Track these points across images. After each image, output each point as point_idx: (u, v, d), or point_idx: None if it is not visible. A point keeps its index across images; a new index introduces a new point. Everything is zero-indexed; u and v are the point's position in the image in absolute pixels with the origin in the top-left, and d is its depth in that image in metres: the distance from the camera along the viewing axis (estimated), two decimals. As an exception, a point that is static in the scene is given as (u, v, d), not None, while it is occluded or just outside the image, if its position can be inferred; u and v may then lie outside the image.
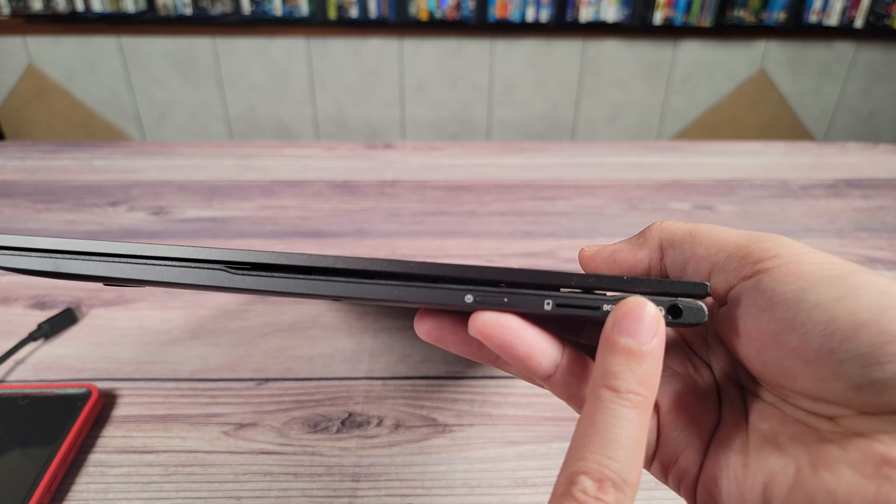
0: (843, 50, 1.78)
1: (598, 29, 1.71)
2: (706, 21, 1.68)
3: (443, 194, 0.60)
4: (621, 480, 0.14)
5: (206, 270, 0.17)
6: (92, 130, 1.86)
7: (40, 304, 0.43)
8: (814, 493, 0.14)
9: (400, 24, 1.67)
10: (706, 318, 0.17)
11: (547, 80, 1.80)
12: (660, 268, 0.19)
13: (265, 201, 0.58)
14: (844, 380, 0.14)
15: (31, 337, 0.38)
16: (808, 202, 0.60)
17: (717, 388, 0.19)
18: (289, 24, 1.68)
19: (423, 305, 0.18)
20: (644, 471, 0.22)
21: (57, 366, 0.37)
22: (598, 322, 0.17)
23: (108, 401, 0.35)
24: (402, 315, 0.42)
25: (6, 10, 1.64)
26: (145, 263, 0.18)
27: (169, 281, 0.17)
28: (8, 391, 0.33)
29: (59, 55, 1.73)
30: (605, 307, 0.17)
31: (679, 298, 0.17)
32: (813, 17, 1.68)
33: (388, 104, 1.83)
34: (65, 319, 0.40)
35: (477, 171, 0.66)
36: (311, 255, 0.17)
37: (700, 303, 0.17)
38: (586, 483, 0.14)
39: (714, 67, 1.80)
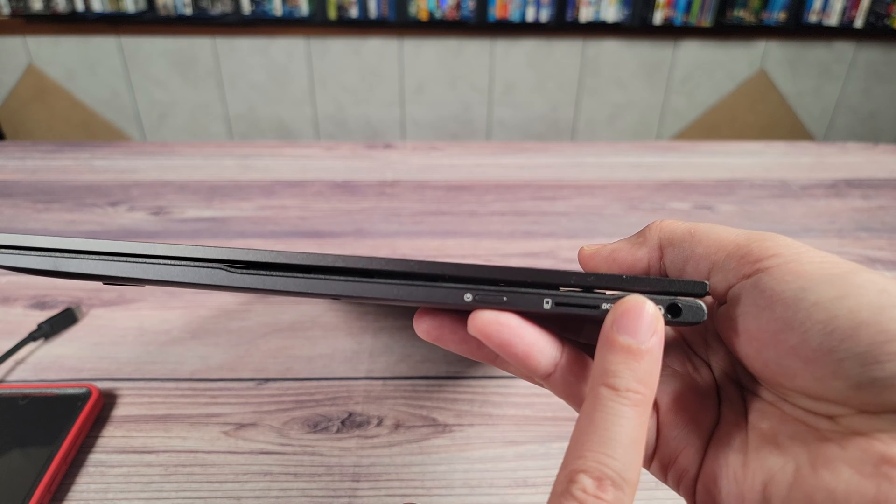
0: (843, 50, 1.78)
1: (598, 29, 1.71)
2: (706, 21, 1.68)
3: (443, 194, 0.60)
4: (620, 479, 0.14)
5: (205, 269, 0.17)
6: (92, 130, 1.86)
7: (40, 304, 0.43)
8: (813, 491, 0.14)
9: (400, 24, 1.67)
10: (705, 317, 0.17)
11: (547, 80, 1.80)
12: (659, 267, 0.19)
13: (265, 201, 0.58)
14: (844, 378, 0.14)
15: (31, 337, 0.38)
16: (808, 202, 0.60)
17: (717, 387, 0.19)
18: (289, 24, 1.68)
19: (423, 304, 0.18)
20: (645, 471, 0.22)
21: (57, 366, 0.37)
22: (598, 321, 0.17)
23: (108, 401, 0.35)
24: (402, 315, 0.42)
25: (6, 10, 1.64)
26: (144, 262, 0.17)
27: (168, 280, 0.17)
28: (8, 391, 0.33)
29: (59, 55, 1.73)
30: (605, 306, 0.17)
31: (678, 297, 0.17)
32: (813, 17, 1.68)
33: (388, 104, 1.83)
34: (65, 319, 0.40)
35: (477, 171, 0.66)
36: (310, 253, 0.17)
37: (699, 302, 0.17)
38: (586, 481, 0.14)
39: (714, 67, 1.80)
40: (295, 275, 0.17)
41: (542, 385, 0.20)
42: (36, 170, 0.64)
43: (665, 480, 0.19)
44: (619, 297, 0.17)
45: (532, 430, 0.33)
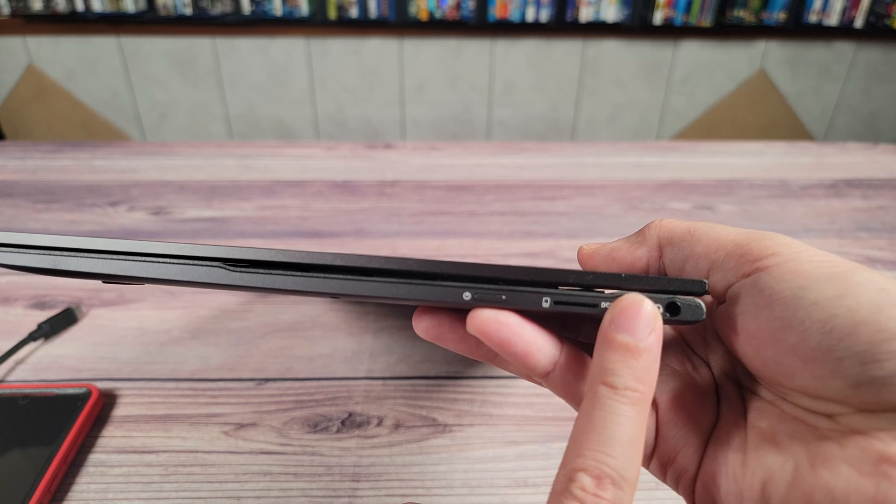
0: (843, 50, 1.78)
1: (598, 29, 1.71)
2: (706, 21, 1.68)
3: (443, 194, 0.60)
4: (620, 477, 0.14)
5: (204, 267, 0.17)
6: (92, 130, 1.86)
7: (40, 304, 0.43)
8: (812, 490, 0.14)
9: (400, 24, 1.67)
10: (704, 316, 0.17)
11: (547, 80, 1.80)
12: (658, 266, 0.19)
13: (265, 201, 0.58)
14: (843, 377, 0.14)
15: (31, 337, 0.38)
16: (808, 202, 0.60)
17: (716, 386, 0.19)
18: (289, 24, 1.68)
19: (422, 303, 0.18)
20: (645, 471, 0.22)
21: (57, 366, 0.37)
22: (596, 319, 0.17)
23: (108, 401, 0.35)
24: (402, 315, 0.42)
25: (6, 10, 1.64)
26: (144, 260, 0.17)
27: (167, 278, 0.17)
28: (8, 391, 0.33)
29: (59, 55, 1.73)
30: (603, 304, 0.17)
31: (677, 296, 0.17)
32: (813, 17, 1.68)
33: (388, 104, 1.83)
34: (65, 319, 0.40)
35: (477, 171, 0.66)
36: (308, 252, 0.17)
37: (698, 300, 0.17)
38: (585, 480, 0.14)
39: (714, 67, 1.80)
40: (294, 273, 0.17)
41: (541, 384, 0.20)
42: (36, 170, 0.64)
43: (664, 479, 0.19)
44: (617, 296, 0.17)
45: (532, 430, 0.33)
